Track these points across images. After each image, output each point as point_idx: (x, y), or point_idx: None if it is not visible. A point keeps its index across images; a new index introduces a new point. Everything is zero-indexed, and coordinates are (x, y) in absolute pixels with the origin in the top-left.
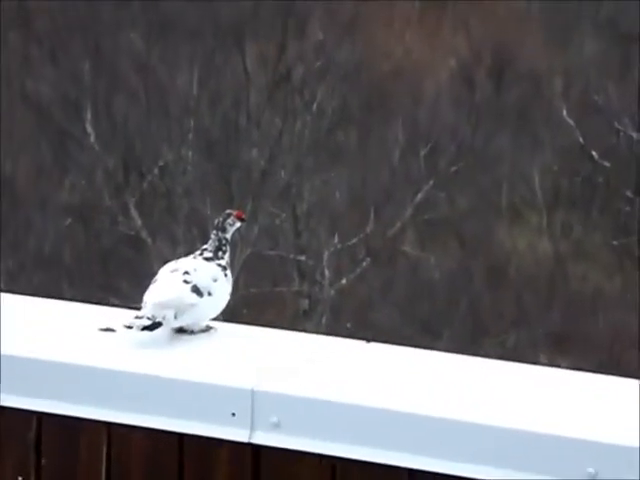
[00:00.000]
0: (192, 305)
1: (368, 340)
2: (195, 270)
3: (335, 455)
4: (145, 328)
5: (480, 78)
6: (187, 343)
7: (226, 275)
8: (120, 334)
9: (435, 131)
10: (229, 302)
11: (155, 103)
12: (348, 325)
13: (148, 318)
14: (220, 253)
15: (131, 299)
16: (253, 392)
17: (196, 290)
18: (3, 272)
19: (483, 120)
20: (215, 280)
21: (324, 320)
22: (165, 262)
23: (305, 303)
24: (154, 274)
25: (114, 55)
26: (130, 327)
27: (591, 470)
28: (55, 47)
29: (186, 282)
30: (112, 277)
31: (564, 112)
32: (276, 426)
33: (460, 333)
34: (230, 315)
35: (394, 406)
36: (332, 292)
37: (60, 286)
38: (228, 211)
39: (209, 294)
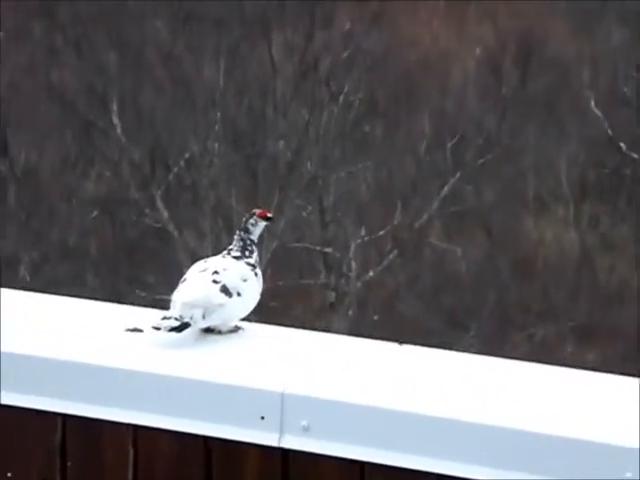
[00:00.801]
0: (221, 305)
1: (400, 342)
2: (224, 270)
3: (364, 460)
4: (173, 329)
5: (507, 68)
6: (215, 344)
7: (256, 274)
8: (147, 335)
9: (462, 122)
10: None
11: (181, 94)
12: (375, 317)
13: (176, 319)
14: (247, 252)
15: (157, 291)
16: (283, 395)
17: (225, 290)
18: (28, 263)
19: (510, 111)
20: (245, 280)
21: (350, 313)
22: (192, 256)
23: (332, 295)
24: (180, 266)
25: (140, 46)
26: (158, 328)
27: (629, 475)
28: (80, 37)
29: (215, 282)
30: (138, 269)
31: (592, 103)
32: (306, 430)
33: (487, 325)
34: (257, 308)
35: (425, 410)
36: (359, 284)
37: (85, 278)
38: (252, 211)
39: (238, 294)
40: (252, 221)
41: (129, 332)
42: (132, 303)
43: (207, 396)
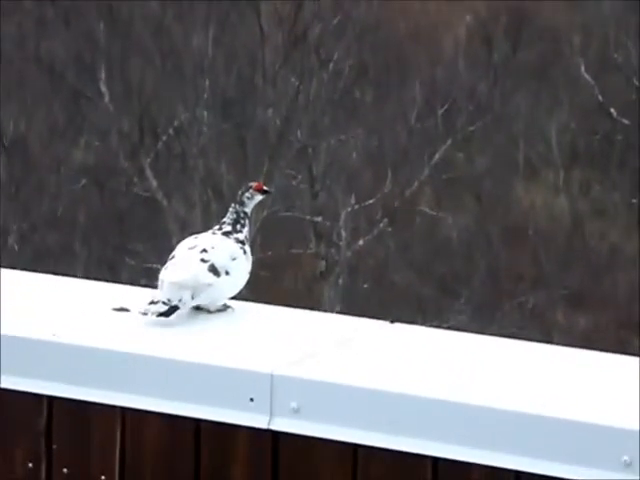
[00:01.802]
0: (209, 285)
1: (392, 321)
2: (213, 248)
3: (357, 442)
4: (161, 315)
5: (498, 36)
6: (204, 324)
7: (245, 252)
8: (134, 314)
9: (453, 90)
10: None
11: (170, 63)
12: (365, 286)
13: (164, 303)
14: (238, 226)
15: (146, 260)
16: (272, 376)
17: (213, 270)
18: (16, 233)
19: (501, 78)
20: (234, 259)
21: (341, 281)
22: (182, 225)
23: (322, 264)
24: (169, 235)
25: (128, 15)
26: (145, 314)
27: (626, 458)
28: (68, 8)
29: (203, 261)
30: (127, 238)
31: (582, 69)
32: (296, 412)
33: (478, 293)
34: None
35: (418, 391)
36: (349, 253)
37: (74, 247)
38: (249, 184)
39: (227, 273)
40: (248, 194)
41: (116, 312)
42: (121, 272)
43: (196, 378)
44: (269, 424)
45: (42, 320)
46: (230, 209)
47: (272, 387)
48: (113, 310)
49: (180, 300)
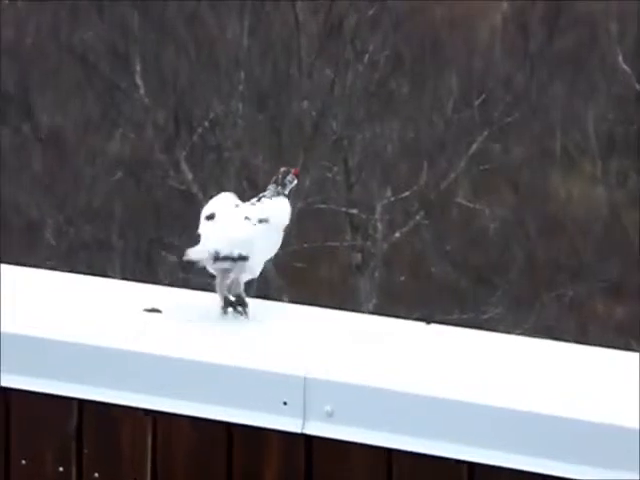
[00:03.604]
0: (251, 241)
1: (428, 322)
2: (255, 204)
3: (391, 447)
4: (214, 259)
5: (534, 24)
6: (235, 326)
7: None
8: (166, 315)
9: (489, 80)
10: (282, 257)
11: (205, 55)
12: (401, 279)
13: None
14: None
15: (182, 253)
16: (306, 379)
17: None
18: (52, 227)
19: (537, 68)
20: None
21: (377, 274)
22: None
23: (358, 257)
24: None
25: (162, 5)
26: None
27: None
28: None
29: (247, 218)
30: (163, 231)
31: (620, 58)
32: (330, 415)
33: (516, 285)
34: (283, 269)
35: (455, 395)
36: (385, 246)
37: (110, 241)
38: (288, 168)
39: (266, 221)
40: (289, 178)
41: (147, 312)
42: (158, 265)
43: (227, 381)
44: (302, 428)
45: (74, 322)
46: (270, 187)
47: (305, 390)
48: (144, 311)
49: (221, 254)
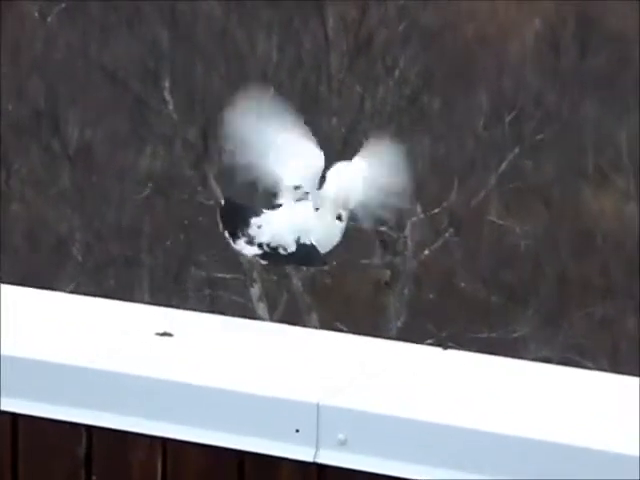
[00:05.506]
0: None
1: (445, 347)
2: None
3: (406, 477)
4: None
5: (566, 41)
6: (247, 352)
7: None
8: (177, 339)
9: (520, 97)
10: (311, 275)
11: (234, 70)
12: (431, 296)
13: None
14: None
15: (211, 270)
16: (319, 407)
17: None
18: (80, 243)
19: (569, 85)
20: None
21: (406, 292)
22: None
23: (387, 274)
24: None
25: (192, 21)
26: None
27: None
28: (132, 14)
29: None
30: (191, 248)
31: None
32: (343, 444)
33: (546, 302)
34: (312, 287)
35: (472, 424)
36: (414, 263)
37: (139, 257)
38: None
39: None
40: None
41: (159, 336)
42: (186, 281)
43: (239, 408)
44: (315, 457)
45: (83, 346)
46: None
47: (318, 418)
48: (156, 335)
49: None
